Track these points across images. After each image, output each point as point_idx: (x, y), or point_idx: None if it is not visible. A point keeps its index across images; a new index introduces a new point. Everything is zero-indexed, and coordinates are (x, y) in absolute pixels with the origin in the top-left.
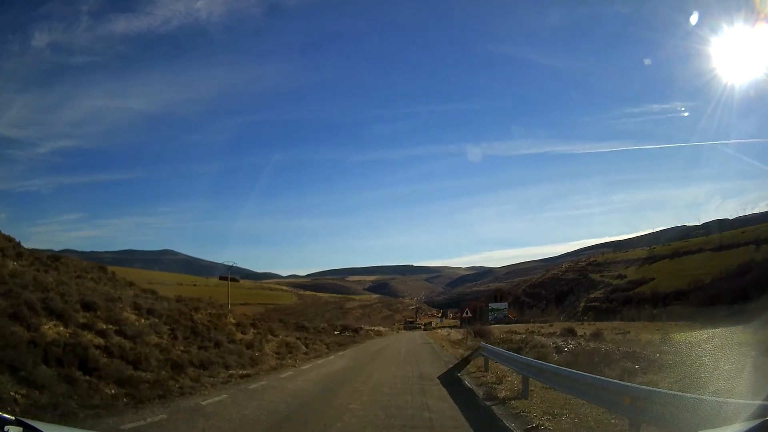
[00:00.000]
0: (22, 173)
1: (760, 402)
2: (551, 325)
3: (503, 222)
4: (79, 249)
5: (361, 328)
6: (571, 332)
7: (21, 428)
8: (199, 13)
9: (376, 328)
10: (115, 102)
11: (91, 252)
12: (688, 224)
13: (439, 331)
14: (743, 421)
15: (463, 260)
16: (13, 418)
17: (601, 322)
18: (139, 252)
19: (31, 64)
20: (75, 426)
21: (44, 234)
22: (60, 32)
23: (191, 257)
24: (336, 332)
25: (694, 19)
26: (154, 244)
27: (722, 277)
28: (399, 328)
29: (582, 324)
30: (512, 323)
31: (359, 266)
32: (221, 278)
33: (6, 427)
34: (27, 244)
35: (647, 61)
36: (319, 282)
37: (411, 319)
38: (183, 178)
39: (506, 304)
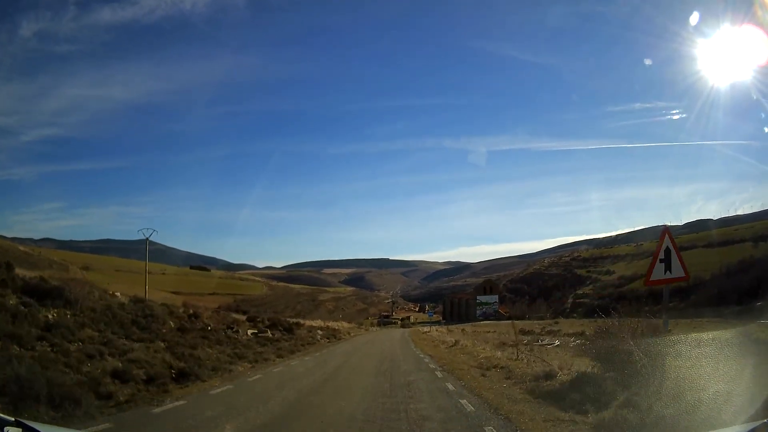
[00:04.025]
0: (5, 161)
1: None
2: (557, 322)
3: (481, 217)
4: (59, 238)
5: (299, 324)
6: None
7: (20, 429)
8: (184, 4)
9: (335, 324)
10: (98, 91)
11: (70, 241)
12: (669, 224)
13: (426, 329)
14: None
15: (439, 255)
16: (12, 419)
17: (600, 319)
18: (117, 241)
19: (17, 53)
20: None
21: (26, 223)
22: (47, 21)
23: (168, 247)
24: (252, 332)
25: (680, 22)
26: (132, 234)
27: (723, 273)
28: (372, 323)
29: (599, 321)
30: (503, 320)
31: (335, 259)
32: (192, 267)
33: (5, 428)
34: (9, 233)
35: (648, 62)
36: (294, 274)
37: (386, 314)
38: (162, 168)
39: (497, 297)
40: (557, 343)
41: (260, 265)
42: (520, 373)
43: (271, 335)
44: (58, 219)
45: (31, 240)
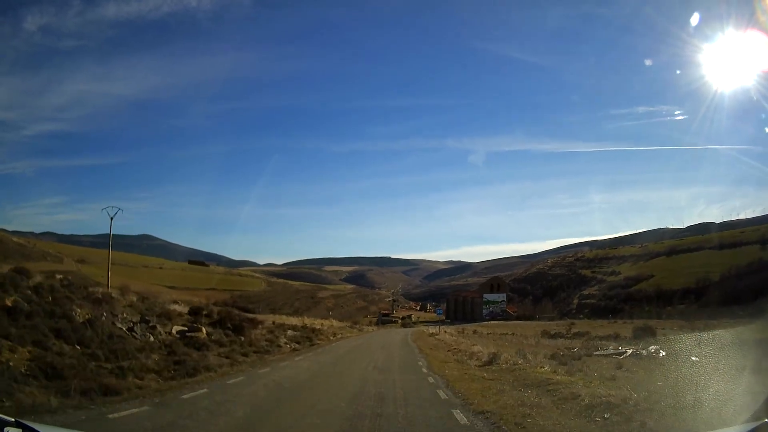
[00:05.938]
0: (7, 156)
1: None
2: (573, 323)
3: (482, 217)
4: (59, 232)
5: (256, 321)
6: (650, 333)
7: (20, 429)
8: (189, 0)
9: (318, 323)
10: (100, 86)
11: (71, 235)
12: (671, 227)
13: (433, 330)
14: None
15: (441, 254)
16: (12, 419)
17: (614, 320)
18: (118, 236)
19: (21, 47)
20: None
21: (27, 216)
22: (51, 15)
23: (170, 243)
24: (179, 329)
25: (683, 26)
26: (133, 229)
27: (732, 275)
28: (371, 322)
29: (619, 322)
30: (512, 320)
31: (337, 256)
32: (190, 262)
33: (5, 429)
34: (9, 227)
35: (648, 62)
36: (295, 271)
37: (386, 312)
38: (164, 164)
39: (504, 296)
40: (627, 351)
41: (261, 262)
42: None
43: (204, 336)
44: (59, 213)
45: (32, 233)
